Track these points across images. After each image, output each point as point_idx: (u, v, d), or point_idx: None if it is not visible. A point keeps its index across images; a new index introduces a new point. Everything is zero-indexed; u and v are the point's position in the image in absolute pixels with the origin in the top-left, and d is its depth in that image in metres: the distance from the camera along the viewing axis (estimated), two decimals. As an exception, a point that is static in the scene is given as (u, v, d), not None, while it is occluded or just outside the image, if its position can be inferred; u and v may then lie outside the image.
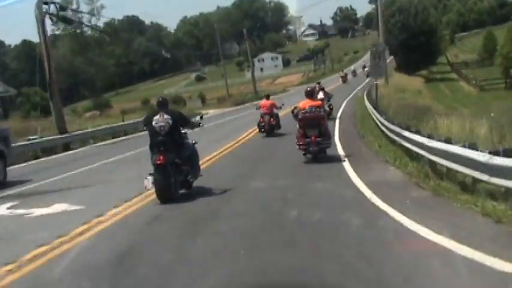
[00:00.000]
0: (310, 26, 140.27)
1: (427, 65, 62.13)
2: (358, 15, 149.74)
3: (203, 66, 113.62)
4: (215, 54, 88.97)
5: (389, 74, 39.13)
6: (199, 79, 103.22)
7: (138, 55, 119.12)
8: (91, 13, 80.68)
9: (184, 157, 8.26)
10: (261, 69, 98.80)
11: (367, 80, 37.13)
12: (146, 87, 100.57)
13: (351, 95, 35.44)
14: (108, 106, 63.57)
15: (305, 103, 11.59)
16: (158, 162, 7.92)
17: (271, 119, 17.80)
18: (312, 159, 11.09)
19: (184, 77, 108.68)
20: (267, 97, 19.21)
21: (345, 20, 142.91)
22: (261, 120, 18.03)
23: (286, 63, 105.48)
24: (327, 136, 11.13)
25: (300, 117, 11.30)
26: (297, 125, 11.41)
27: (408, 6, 58.26)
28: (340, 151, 12.47)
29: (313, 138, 10.86)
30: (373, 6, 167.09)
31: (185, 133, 8.68)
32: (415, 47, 54.44)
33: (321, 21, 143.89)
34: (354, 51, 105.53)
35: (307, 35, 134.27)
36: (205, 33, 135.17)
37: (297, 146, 11.16)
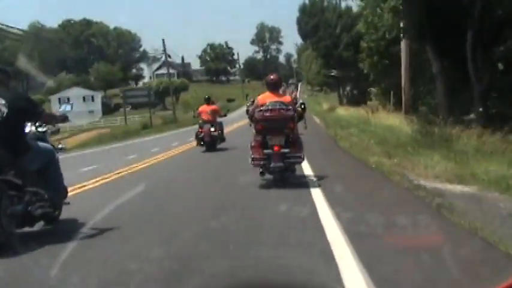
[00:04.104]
0: (168, 65, 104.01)
1: None
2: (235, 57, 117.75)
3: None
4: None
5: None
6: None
7: None
8: None
9: (29, 171, 5.46)
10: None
11: None
12: None
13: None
14: None
15: (265, 97, 8.69)
16: None
17: (213, 129, 15.70)
18: (272, 182, 8.23)
19: None
20: (208, 101, 16.67)
21: (217, 61, 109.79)
22: (200, 130, 15.99)
23: (115, 108, 68.48)
24: (297, 146, 8.38)
25: (256, 117, 8.35)
26: (253, 130, 8.68)
27: None
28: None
29: (276, 148, 8.12)
30: (256, 47, 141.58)
31: (44, 132, 6.12)
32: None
33: (182, 58, 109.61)
34: (227, 99, 71.65)
35: (162, 75, 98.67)
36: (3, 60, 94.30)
37: (251, 161, 8.32)
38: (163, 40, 48.89)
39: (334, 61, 42.81)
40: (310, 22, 44.05)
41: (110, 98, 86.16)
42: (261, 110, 8.31)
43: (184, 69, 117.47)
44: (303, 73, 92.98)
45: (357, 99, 42.32)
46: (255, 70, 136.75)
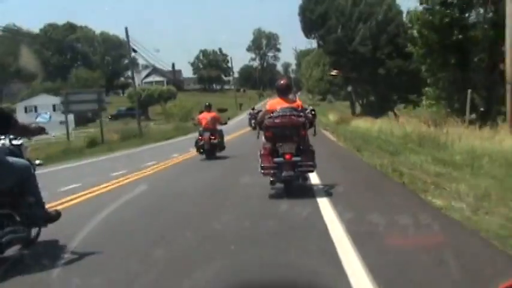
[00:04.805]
0: (157, 72, 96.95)
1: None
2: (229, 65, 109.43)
3: None
4: None
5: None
6: None
7: None
8: None
9: (0, 191, 4.92)
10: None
11: None
12: None
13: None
14: None
15: (275, 103, 8.29)
16: None
17: (212, 137, 15.35)
18: (282, 192, 7.69)
19: None
20: (208, 108, 16.18)
21: (210, 68, 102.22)
22: (200, 138, 15.63)
23: (92, 117, 60.89)
24: (308, 155, 7.87)
25: (266, 123, 7.99)
26: (262, 138, 8.27)
27: None
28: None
29: (287, 157, 7.72)
30: (253, 55, 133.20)
31: (19, 145, 5.42)
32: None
33: (173, 65, 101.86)
34: (218, 109, 62.84)
35: (150, 83, 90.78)
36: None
37: (261, 170, 7.88)
38: (126, 29, 39.25)
39: (346, 59, 33.87)
40: (317, 10, 35.10)
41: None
42: (271, 117, 7.92)
43: (174, 76, 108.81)
44: (303, 80, 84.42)
45: (377, 108, 33.65)
46: (251, 78, 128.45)
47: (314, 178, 8.75)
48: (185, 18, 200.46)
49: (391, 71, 31.36)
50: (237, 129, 32.31)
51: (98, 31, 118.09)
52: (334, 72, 68.03)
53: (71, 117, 71.64)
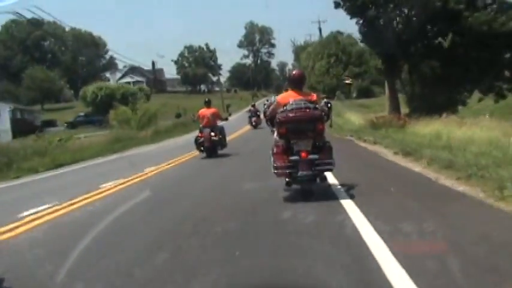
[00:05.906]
0: (136, 71, 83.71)
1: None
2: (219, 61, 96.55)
3: None
4: None
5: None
6: None
7: None
8: None
9: None
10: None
11: None
12: None
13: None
14: None
15: (287, 96, 7.65)
16: None
17: (213, 134, 14.86)
18: (299, 194, 7.11)
19: None
20: (208, 104, 15.60)
21: (196, 66, 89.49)
22: (200, 135, 15.13)
23: (42, 126, 48.00)
24: (326, 152, 7.20)
25: (279, 118, 7.28)
26: (274, 134, 7.71)
27: None
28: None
29: (303, 155, 7.02)
30: (245, 51, 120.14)
31: None
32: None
33: (153, 64, 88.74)
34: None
35: (128, 84, 77.29)
36: None
37: (274, 170, 7.24)
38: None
39: (390, 17, 19.27)
40: None
41: (36, 113, 62.91)
42: (284, 110, 7.20)
43: (155, 76, 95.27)
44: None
45: (435, 103, 20.12)
46: (243, 78, 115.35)
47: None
48: (168, 10, 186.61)
49: (467, 35, 17.72)
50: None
51: (67, 28, 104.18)
52: (348, 81, 55.14)
53: (6, 125, 58.33)
